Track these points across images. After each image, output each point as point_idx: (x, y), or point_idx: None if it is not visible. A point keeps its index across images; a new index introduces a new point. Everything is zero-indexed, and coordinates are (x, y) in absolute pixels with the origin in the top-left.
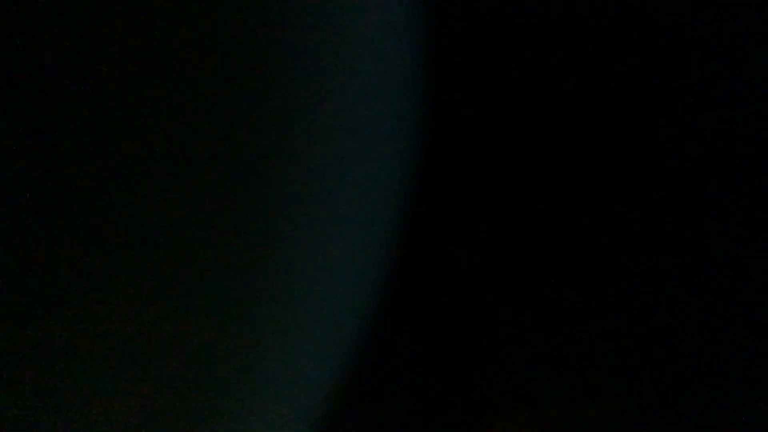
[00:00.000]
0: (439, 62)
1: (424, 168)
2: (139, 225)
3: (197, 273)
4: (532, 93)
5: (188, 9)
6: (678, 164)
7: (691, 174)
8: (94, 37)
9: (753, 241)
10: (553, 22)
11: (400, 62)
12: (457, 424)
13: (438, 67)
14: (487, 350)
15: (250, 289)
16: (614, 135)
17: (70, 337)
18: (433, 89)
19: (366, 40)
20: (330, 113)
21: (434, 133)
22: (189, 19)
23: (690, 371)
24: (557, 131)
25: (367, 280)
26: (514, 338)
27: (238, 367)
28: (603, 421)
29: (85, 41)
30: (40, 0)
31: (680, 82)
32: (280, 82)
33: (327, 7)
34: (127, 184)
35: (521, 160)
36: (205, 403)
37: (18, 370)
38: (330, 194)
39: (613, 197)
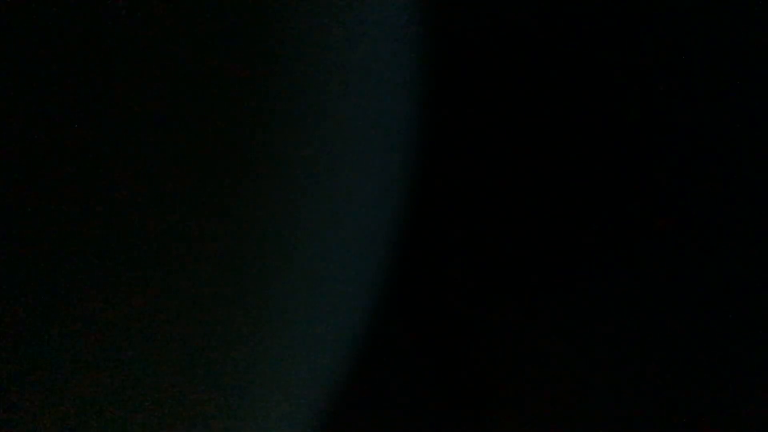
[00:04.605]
0: (440, 62)
1: (425, 169)
2: (141, 225)
3: (198, 274)
4: (533, 93)
5: (193, 10)
6: (676, 168)
7: (690, 177)
8: (96, 35)
9: (753, 242)
10: (553, 23)
11: (401, 63)
12: (456, 424)
13: (438, 67)
14: (486, 351)
15: (250, 290)
16: (615, 136)
17: (72, 336)
18: (434, 89)
19: (367, 40)
20: (331, 113)
21: (435, 134)
22: (193, 21)
23: (689, 371)
24: (557, 132)
25: (368, 280)
26: (514, 339)
27: (239, 368)
28: (602, 422)
29: (86, 41)
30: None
31: (681, 82)
32: (282, 83)
33: (328, 9)
34: (129, 185)
35: (522, 161)
36: (206, 403)
37: (21, 369)
38: (331, 196)
39: (613, 198)
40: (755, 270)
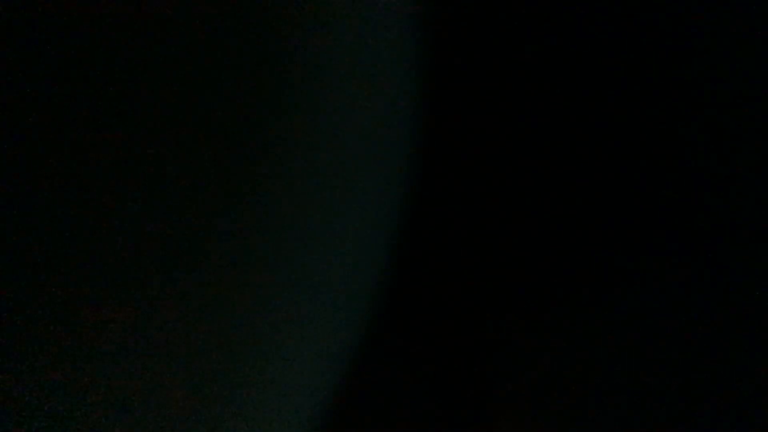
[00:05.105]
0: (440, 64)
1: (425, 169)
2: (143, 226)
3: (197, 275)
4: (534, 93)
5: (196, 13)
6: (676, 167)
7: (689, 176)
8: (98, 36)
9: (753, 242)
10: (554, 22)
11: (401, 63)
12: (456, 425)
13: (438, 69)
14: (486, 352)
15: (250, 291)
16: (617, 137)
17: (73, 336)
18: (434, 90)
19: (368, 41)
20: (332, 114)
21: (436, 135)
22: (195, 22)
23: (688, 372)
24: (559, 132)
25: (368, 281)
26: (514, 339)
27: (239, 368)
28: (602, 422)
29: (88, 41)
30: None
31: (680, 82)
32: (281, 84)
33: (329, 11)
34: (130, 185)
35: (523, 161)
36: (207, 404)
37: (22, 369)
38: (332, 196)
39: (614, 199)
40: (756, 270)
